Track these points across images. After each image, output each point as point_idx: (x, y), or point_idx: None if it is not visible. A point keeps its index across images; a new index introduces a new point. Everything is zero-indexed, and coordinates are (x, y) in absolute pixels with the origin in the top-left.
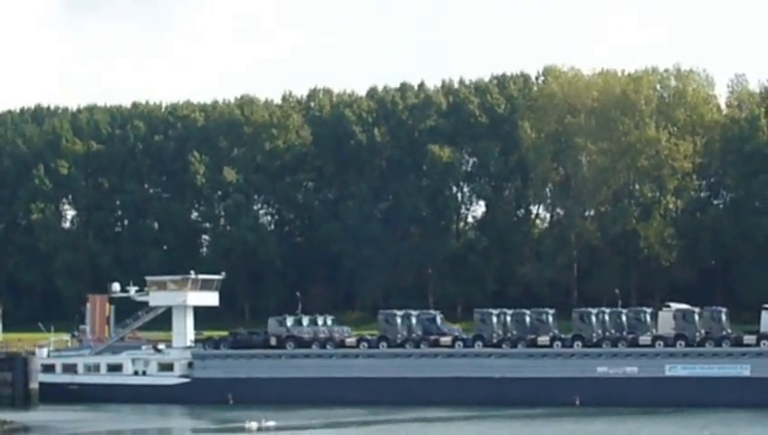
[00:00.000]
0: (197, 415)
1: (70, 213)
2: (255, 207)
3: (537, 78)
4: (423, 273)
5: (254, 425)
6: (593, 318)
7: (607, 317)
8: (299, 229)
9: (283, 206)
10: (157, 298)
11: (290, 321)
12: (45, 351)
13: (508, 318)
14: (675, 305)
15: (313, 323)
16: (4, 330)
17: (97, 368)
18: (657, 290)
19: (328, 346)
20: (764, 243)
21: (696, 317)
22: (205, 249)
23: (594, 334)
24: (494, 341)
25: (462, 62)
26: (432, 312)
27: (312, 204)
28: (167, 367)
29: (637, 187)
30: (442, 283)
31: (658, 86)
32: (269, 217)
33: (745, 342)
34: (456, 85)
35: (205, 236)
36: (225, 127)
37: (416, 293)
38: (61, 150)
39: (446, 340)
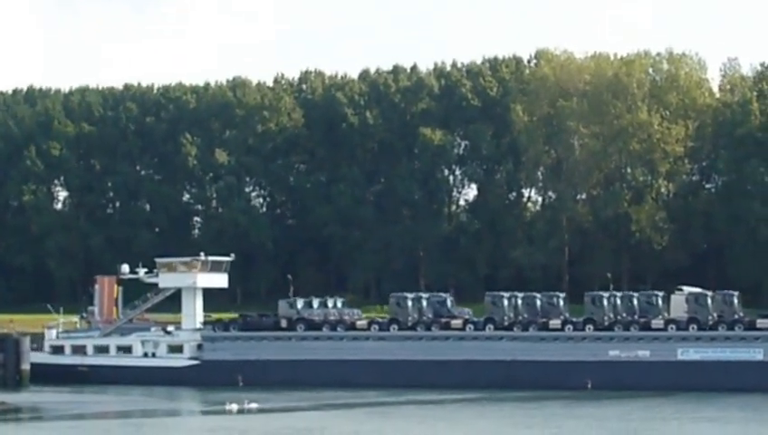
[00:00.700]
0: (205, 397)
1: (61, 194)
2: (247, 190)
3: (529, 61)
4: (414, 256)
5: (234, 407)
6: (605, 302)
7: (618, 301)
8: (290, 212)
9: (275, 188)
10: (166, 280)
11: (300, 303)
12: (54, 332)
13: (519, 301)
14: (687, 289)
15: (323, 305)
16: None
17: (106, 350)
18: (649, 274)
19: (338, 329)
20: (756, 227)
21: (709, 301)
22: (196, 231)
23: (606, 318)
24: (506, 324)
25: (454, 45)
26: (442, 294)
27: (304, 186)
28: (176, 349)
29: (629, 170)
30: (433, 266)
31: (651, 70)
32: (261, 200)
33: (758, 326)
34: (449, 68)
35: (196, 218)
36: (217, 109)
37: (407, 276)
38: (53, 132)
39: (456, 323)
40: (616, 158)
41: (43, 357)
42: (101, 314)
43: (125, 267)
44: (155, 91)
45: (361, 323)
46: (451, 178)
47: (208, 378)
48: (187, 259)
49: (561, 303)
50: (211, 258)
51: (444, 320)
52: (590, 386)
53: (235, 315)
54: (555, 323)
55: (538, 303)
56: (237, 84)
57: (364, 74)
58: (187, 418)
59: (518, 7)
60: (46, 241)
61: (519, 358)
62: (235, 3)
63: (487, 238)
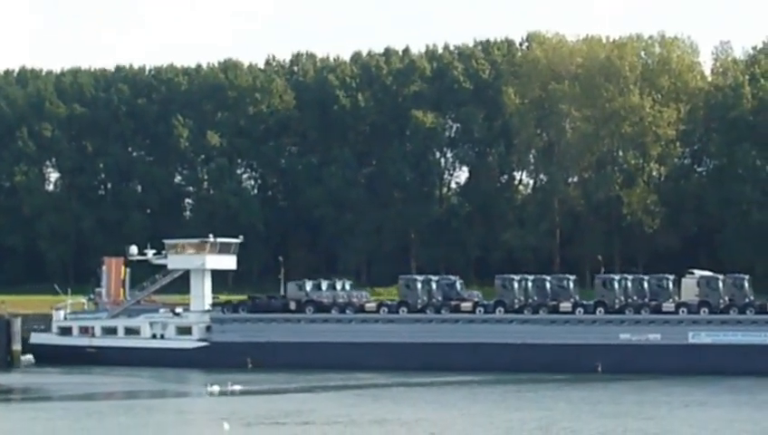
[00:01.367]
0: (213, 379)
1: (53, 176)
2: (239, 172)
3: (521, 44)
4: (406, 238)
5: (215, 388)
6: (616, 285)
7: (629, 284)
8: (282, 194)
9: (267, 170)
10: (175, 261)
11: (309, 285)
12: (62, 313)
13: (529, 284)
14: (698, 272)
15: (332, 287)
16: None
17: (114, 331)
18: (640, 257)
19: (347, 311)
20: (747, 210)
21: (720, 284)
22: (188, 213)
23: (617, 301)
24: (516, 307)
25: (446, 27)
26: (451, 277)
27: (296, 169)
28: (185, 331)
29: (620, 153)
30: (425, 248)
31: (643, 53)
32: (252, 182)
33: None
34: (441, 51)
35: (188, 200)
36: (209, 91)
37: (398, 258)
38: (44, 113)
39: (466, 305)
40: (607, 141)
41: (51, 338)
42: (109, 296)
43: (133, 249)
44: (147, 72)
45: (370, 305)
46: (442, 160)
47: (217, 360)
48: (196, 241)
49: (572, 286)
50: (220, 240)
51: (453, 303)
52: (600, 369)
53: (243, 297)
54: (566, 305)
55: (548, 286)
56: (229, 66)
57: (356, 57)
58: (171, 400)
59: None
60: (38, 222)
61: (529, 341)
62: None
63: (478, 221)
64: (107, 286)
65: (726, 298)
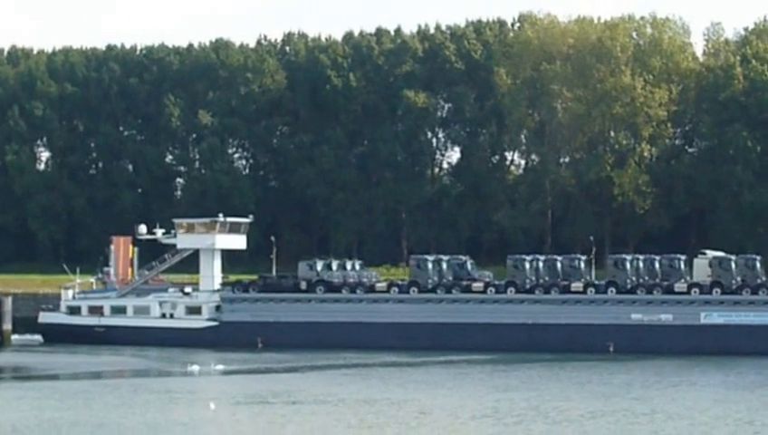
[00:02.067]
0: (220, 358)
1: (44, 155)
2: (230, 151)
3: (513, 24)
4: (397, 218)
5: (195, 368)
6: (627, 265)
7: (641, 264)
8: (273, 174)
9: (258, 150)
10: (184, 241)
11: (319, 265)
12: (71, 292)
13: (540, 264)
14: (711, 253)
15: (342, 267)
16: None
17: (123, 310)
18: (632, 237)
19: (358, 291)
20: (738, 191)
21: (733, 265)
22: (179, 192)
23: (628, 281)
24: (527, 287)
25: (438, 7)
26: (462, 257)
27: (287, 148)
28: (194, 310)
29: (612, 134)
30: (416, 228)
31: (634, 34)
32: (243, 161)
33: None
34: (432, 31)
35: (179, 180)
36: (201, 70)
37: (389, 238)
38: (36, 92)
39: (477, 285)
40: (599, 121)
41: (60, 317)
42: (117, 275)
43: (142, 228)
44: (138, 52)
45: (381, 285)
46: (434, 140)
47: (227, 339)
48: (207, 220)
49: (583, 266)
50: (230, 220)
51: (464, 283)
52: (612, 349)
53: (254, 277)
54: (577, 286)
55: (559, 266)
56: (220, 46)
57: (348, 37)
58: (163, 379)
59: None
60: (29, 201)
61: (541, 321)
62: None
63: (470, 201)
64: (115, 266)
65: (739, 279)
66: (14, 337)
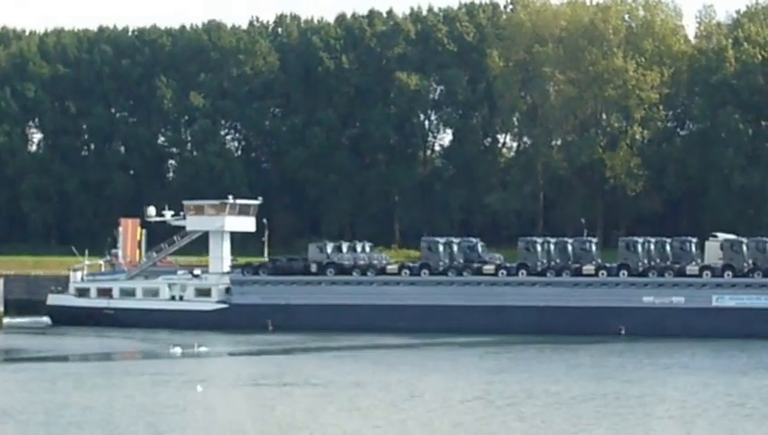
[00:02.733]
0: (232, 340)
1: (36, 136)
2: (222, 133)
3: (506, 7)
4: (389, 201)
5: (177, 350)
6: (639, 247)
7: (652, 247)
8: (265, 156)
9: (250, 132)
10: (193, 223)
11: (330, 247)
12: (79, 275)
13: (551, 247)
14: (722, 235)
15: (352, 249)
16: None
17: (132, 293)
18: (623, 220)
19: (368, 273)
20: (730, 174)
21: (744, 248)
22: (171, 174)
23: (640, 264)
24: (538, 269)
25: None
26: (472, 239)
27: (279, 130)
28: (204, 292)
29: (603, 116)
30: (408, 211)
31: (626, 16)
32: (236, 143)
33: None
34: (425, 13)
35: (171, 161)
36: (193, 52)
37: (381, 220)
38: (27, 73)
39: (489, 268)
40: (591, 104)
41: (68, 300)
42: (125, 257)
43: (151, 210)
44: (130, 33)
45: (392, 267)
46: (426, 123)
47: (237, 322)
48: (216, 202)
49: (594, 248)
50: (239, 201)
51: (476, 265)
52: (623, 332)
53: (263, 259)
54: (589, 268)
55: (570, 248)
56: (212, 28)
57: (340, 18)
58: (155, 361)
59: None
60: (21, 183)
61: (552, 304)
62: None
63: (462, 184)
64: (123, 248)
65: (750, 261)
66: (23, 319)
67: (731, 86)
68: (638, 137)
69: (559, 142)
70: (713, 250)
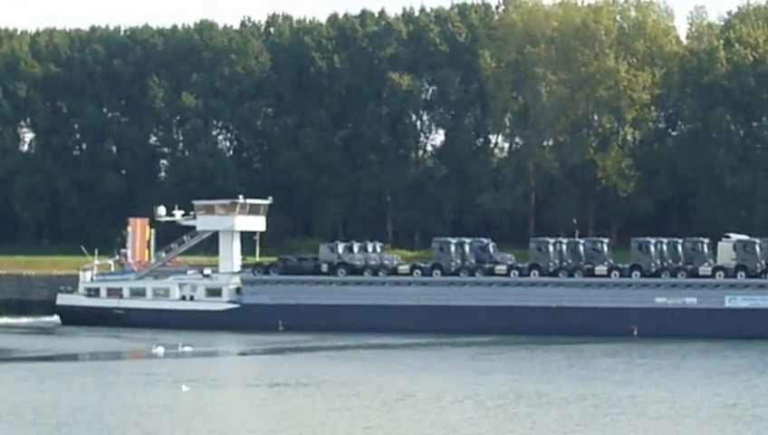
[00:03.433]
0: (245, 340)
1: (28, 136)
2: (214, 133)
3: (498, 7)
4: (381, 201)
5: (160, 350)
6: (652, 248)
7: (664, 247)
8: (257, 156)
9: (242, 132)
10: (203, 222)
11: (341, 247)
12: (89, 274)
13: (563, 247)
14: (735, 236)
15: (363, 249)
16: None
17: (143, 293)
18: (615, 221)
19: (380, 273)
20: (721, 175)
21: (758, 248)
22: (163, 174)
23: (653, 264)
24: (551, 270)
25: None
26: (483, 240)
27: (271, 130)
28: (215, 292)
29: (595, 117)
30: (400, 211)
31: (618, 17)
32: (227, 144)
33: None
34: (417, 13)
35: (163, 161)
36: (184, 52)
37: (374, 221)
38: (19, 73)
39: (501, 268)
40: (583, 104)
41: (78, 299)
42: (134, 257)
43: (161, 209)
44: (122, 33)
45: (403, 268)
46: (418, 123)
47: (247, 322)
48: (226, 202)
49: (606, 249)
50: (249, 201)
51: (487, 265)
52: (636, 333)
53: (273, 259)
54: (601, 269)
55: (581, 248)
56: (204, 27)
57: (332, 19)
58: (145, 361)
59: None
60: (12, 183)
61: (564, 304)
62: None
63: (454, 184)
64: (132, 248)
65: (763, 262)
66: (30, 319)
67: (722, 87)
68: (629, 138)
69: (551, 143)
70: (725, 251)
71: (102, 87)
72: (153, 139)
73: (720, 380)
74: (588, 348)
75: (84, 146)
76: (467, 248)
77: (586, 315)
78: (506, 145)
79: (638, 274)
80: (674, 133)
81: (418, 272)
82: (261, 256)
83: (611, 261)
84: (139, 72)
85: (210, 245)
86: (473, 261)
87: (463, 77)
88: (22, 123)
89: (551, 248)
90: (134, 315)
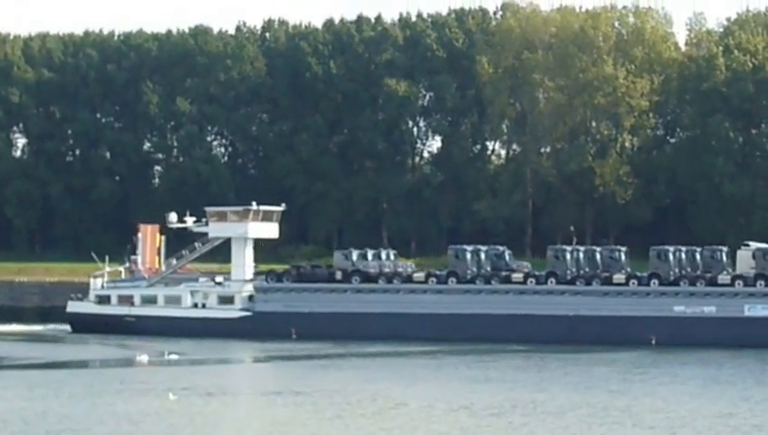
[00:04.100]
0: (259, 347)
1: (20, 141)
2: (209, 139)
3: (495, 13)
4: (377, 208)
5: (144, 358)
6: (670, 256)
7: (683, 255)
8: (252, 162)
9: (237, 138)
10: (216, 229)
11: (355, 255)
12: (100, 282)
13: (581, 255)
14: (754, 244)
15: (377, 257)
16: None
17: (154, 300)
18: (613, 228)
19: (395, 281)
20: (719, 182)
21: None
22: (157, 180)
23: (671, 273)
24: (568, 278)
25: None
26: (499, 247)
27: (267, 136)
28: (227, 300)
29: (593, 124)
30: (396, 218)
31: (617, 23)
32: (222, 149)
33: None
34: (414, 19)
35: (157, 167)
36: (179, 57)
37: (369, 228)
38: (12, 78)
39: (518, 276)
40: (581, 111)
41: (89, 307)
42: (144, 264)
43: (173, 216)
44: (116, 38)
45: (419, 275)
46: (415, 129)
47: (260, 330)
48: (239, 208)
49: (623, 257)
50: (263, 208)
51: (504, 273)
52: (654, 342)
53: (286, 267)
54: (619, 277)
55: (598, 257)
56: (199, 32)
57: (328, 24)
58: (136, 369)
59: None
60: (4, 188)
61: (582, 313)
62: None
63: (451, 191)
64: (142, 254)
65: None
66: (40, 327)
67: (721, 94)
68: (627, 145)
69: (548, 150)
70: (745, 259)
71: (96, 92)
72: (147, 144)
73: (717, 389)
74: (583, 357)
75: (77, 152)
76: (483, 256)
77: (604, 324)
78: (503, 152)
79: (657, 282)
80: (672, 140)
81: (434, 280)
82: (255, 263)
83: (629, 269)
84: (134, 78)
85: (218, 252)
86: (488, 269)
87: (460, 83)
88: (14, 129)
89: (568, 256)
90: (145, 323)
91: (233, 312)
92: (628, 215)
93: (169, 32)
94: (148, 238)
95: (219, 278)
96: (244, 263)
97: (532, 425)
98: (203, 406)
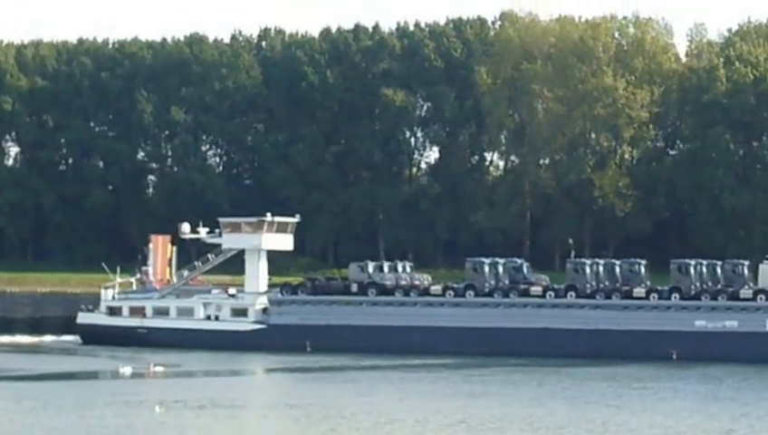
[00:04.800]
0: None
1: (13, 150)
2: (203, 148)
3: (494, 23)
4: (374, 219)
5: (127, 370)
6: (692, 270)
7: (704, 269)
8: (248, 172)
9: (232, 147)
10: (229, 241)
11: (371, 267)
12: (111, 293)
13: (600, 268)
14: None
15: (394, 269)
16: None
17: (166, 312)
18: (612, 240)
19: (411, 294)
20: (719, 194)
21: None
22: (151, 190)
23: (692, 287)
24: (588, 292)
25: (418, 4)
26: (517, 260)
27: (262, 146)
28: (240, 312)
29: (593, 135)
30: (393, 229)
31: (617, 34)
32: (217, 159)
33: None
34: (412, 28)
35: (151, 177)
36: (174, 66)
37: (366, 239)
38: (5, 86)
39: (536, 289)
40: (580, 122)
41: (99, 318)
42: (155, 275)
43: (185, 227)
44: (110, 46)
45: (436, 288)
46: (412, 140)
47: (275, 343)
48: (253, 220)
49: (643, 270)
50: (277, 219)
51: (522, 286)
52: (675, 356)
53: (300, 279)
54: (639, 291)
55: (617, 270)
56: (194, 41)
57: (325, 33)
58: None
59: None
60: None
61: (602, 327)
62: None
63: (448, 202)
64: (153, 265)
65: None
66: (51, 338)
67: (722, 105)
68: (627, 156)
69: (547, 161)
70: (767, 273)
71: (90, 101)
72: (141, 154)
73: (718, 405)
74: (581, 371)
75: (71, 160)
76: (501, 269)
77: (624, 338)
78: (502, 163)
79: (678, 296)
80: (672, 152)
81: (451, 293)
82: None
83: (648, 283)
84: (128, 86)
85: (229, 264)
86: (507, 282)
87: (458, 93)
88: (7, 137)
89: (587, 270)
90: (157, 335)
91: (246, 324)
92: (627, 227)
93: (164, 40)
94: (160, 249)
95: (232, 290)
96: (257, 275)
97: None
98: (194, 419)
